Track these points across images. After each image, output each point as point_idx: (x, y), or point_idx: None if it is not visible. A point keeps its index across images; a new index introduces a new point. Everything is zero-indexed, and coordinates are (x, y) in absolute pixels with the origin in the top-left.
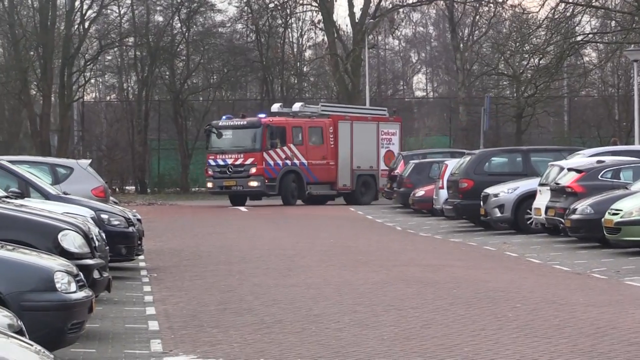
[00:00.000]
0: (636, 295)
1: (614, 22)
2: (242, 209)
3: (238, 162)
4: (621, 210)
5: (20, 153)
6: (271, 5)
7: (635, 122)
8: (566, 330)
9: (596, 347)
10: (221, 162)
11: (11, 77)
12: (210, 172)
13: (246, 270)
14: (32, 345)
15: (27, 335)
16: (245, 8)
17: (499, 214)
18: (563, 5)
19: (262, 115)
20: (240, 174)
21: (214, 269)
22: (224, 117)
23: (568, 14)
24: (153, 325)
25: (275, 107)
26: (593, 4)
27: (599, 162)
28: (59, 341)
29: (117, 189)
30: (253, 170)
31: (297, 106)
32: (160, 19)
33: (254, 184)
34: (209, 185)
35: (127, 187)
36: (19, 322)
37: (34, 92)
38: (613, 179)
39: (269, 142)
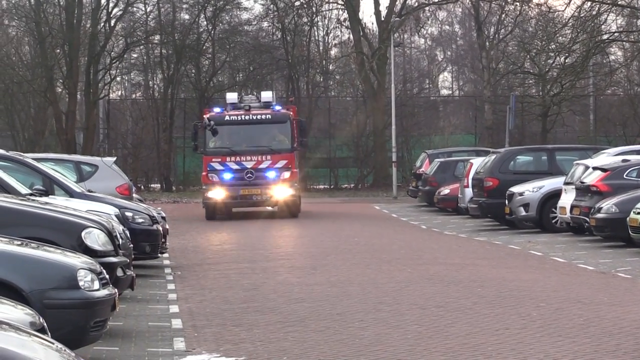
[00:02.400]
0: None
1: None
2: (268, 207)
3: (263, 166)
4: None
5: (46, 151)
6: (297, 3)
7: None
8: (590, 330)
9: (620, 347)
10: (234, 166)
11: (37, 75)
12: (213, 179)
13: (270, 268)
14: (53, 343)
15: (49, 334)
16: (271, 6)
17: (524, 213)
18: (589, 3)
19: (279, 107)
20: (266, 180)
21: (237, 267)
22: (217, 110)
23: (594, 12)
24: (176, 323)
25: (233, 97)
26: (619, 2)
27: (624, 161)
28: (82, 339)
29: (142, 187)
30: (287, 175)
31: (250, 99)
32: (187, 16)
33: (288, 192)
34: (210, 195)
35: (152, 185)
36: (41, 320)
37: (60, 90)
38: (638, 178)
39: (300, 139)
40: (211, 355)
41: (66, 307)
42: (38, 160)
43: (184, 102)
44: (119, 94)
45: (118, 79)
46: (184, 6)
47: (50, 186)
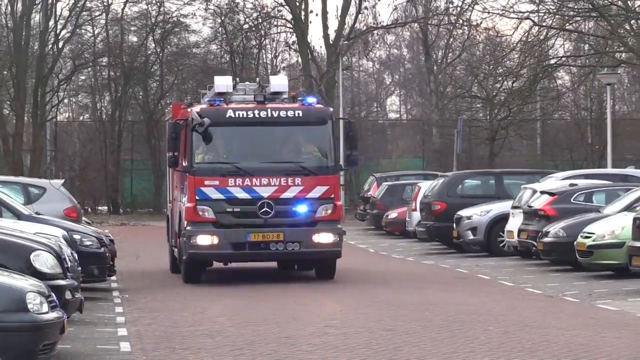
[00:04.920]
0: (608, 318)
1: (587, 45)
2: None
3: (289, 194)
4: (593, 233)
5: None
6: (245, 26)
7: (607, 145)
8: (538, 353)
9: None
10: (241, 194)
11: None
12: (205, 214)
13: (218, 291)
14: None
15: None
16: (220, 29)
17: (471, 237)
18: (537, 28)
19: (314, 100)
20: (294, 218)
21: (185, 290)
22: (205, 99)
23: (542, 37)
24: (125, 346)
25: (225, 83)
26: (566, 27)
27: (571, 185)
28: None
29: (89, 209)
30: (329, 210)
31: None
32: (135, 39)
33: (329, 238)
34: (199, 241)
35: (99, 208)
36: None
37: (7, 112)
38: (585, 202)
39: (348, 153)
40: None
41: (15, 330)
42: None
43: (132, 124)
44: (67, 116)
45: (66, 101)
46: (132, 28)
47: None
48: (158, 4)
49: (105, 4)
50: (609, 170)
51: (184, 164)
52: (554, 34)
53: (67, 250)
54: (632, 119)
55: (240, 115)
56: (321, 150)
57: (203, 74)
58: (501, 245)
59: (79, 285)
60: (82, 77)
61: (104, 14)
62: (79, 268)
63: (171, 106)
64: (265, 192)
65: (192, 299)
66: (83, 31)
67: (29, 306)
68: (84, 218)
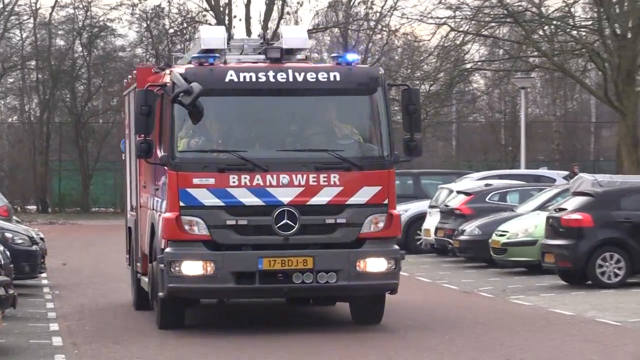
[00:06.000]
0: (522, 313)
1: (502, 50)
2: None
3: (320, 200)
4: (507, 231)
5: None
6: (171, 30)
7: (521, 147)
8: (455, 345)
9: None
10: (249, 198)
11: None
12: (194, 229)
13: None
14: None
15: None
16: (146, 33)
17: None
18: (454, 34)
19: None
20: (328, 235)
21: (114, 286)
22: (191, 56)
23: (458, 42)
24: (57, 340)
25: (215, 36)
26: (482, 32)
27: (486, 185)
28: None
29: (18, 208)
30: (380, 223)
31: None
32: (62, 42)
33: (381, 265)
34: (184, 270)
35: (28, 207)
36: None
37: None
38: (500, 202)
39: (409, 136)
40: None
41: None
42: None
43: (60, 126)
44: None
45: None
46: (60, 32)
47: None
48: (85, 8)
49: (33, 8)
50: (523, 171)
51: (160, 153)
52: (470, 39)
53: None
54: (544, 122)
55: (247, 79)
56: (369, 132)
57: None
58: (418, 243)
59: (10, 282)
60: (11, 80)
61: (32, 18)
62: (11, 265)
63: (134, 72)
64: (286, 195)
65: (120, 295)
66: (11, 35)
67: None
68: (14, 217)
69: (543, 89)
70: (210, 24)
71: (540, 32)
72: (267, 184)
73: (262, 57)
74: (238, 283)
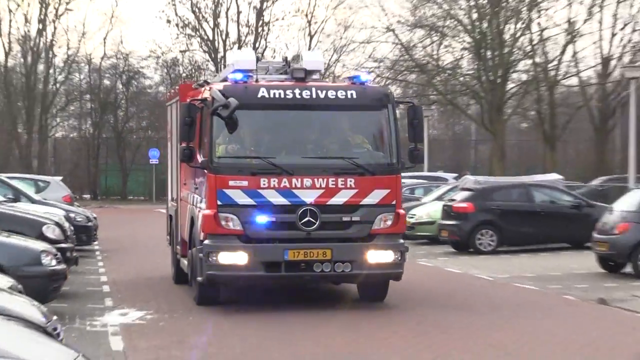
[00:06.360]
0: (427, 271)
1: (411, 90)
2: (162, 209)
3: (338, 200)
4: (415, 214)
5: (12, 172)
6: (183, 75)
7: (424, 156)
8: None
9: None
10: (277, 198)
11: (5, 120)
12: (229, 225)
13: (166, 252)
14: (29, 299)
15: (24, 294)
16: (166, 76)
17: None
18: (378, 79)
19: (368, 78)
20: (345, 230)
21: (145, 250)
22: (230, 76)
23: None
24: (106, 288)
25: (246, 58)
26: (398, 78)
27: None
28: (45, 298)
29: (77, 197)
30: (388, 221)
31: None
32: (108, 82)
33: (388, 256)
34: (221, 260)
35: (84, 196)
36: (18, 285)
37: (21, 131)
38: (410, 194)
39: (413, 146)
40: (129, 309)
41: (33, 277)
42: (10, 178)
43: (106, 140)
44: (62, 134)
45: (61, 123)
46: (107, 75)
47: (17, 196)
48: (124, 58)
49: (88, 58)
50: (426, 173)
51: (200, 158)
52: (389, 83)
53: (66, 224)
54: (440, 140)
55: (277, 96)
56: (380, 142)
57: (154, 106)
58: None
59: (74, 247)
60: (72, 108)
61: (87, 65)
62: (74, 236)
63: (177, 87)
64: (309, 196)
65: (149, 256)
66: (73, 76)
67: (43, 261)
68: (75, 203)
69: (440, 117)
70: (210, 70)
71: (438, 78)
72: (293, 186)
73: (284, 76)
74: (267, 271)
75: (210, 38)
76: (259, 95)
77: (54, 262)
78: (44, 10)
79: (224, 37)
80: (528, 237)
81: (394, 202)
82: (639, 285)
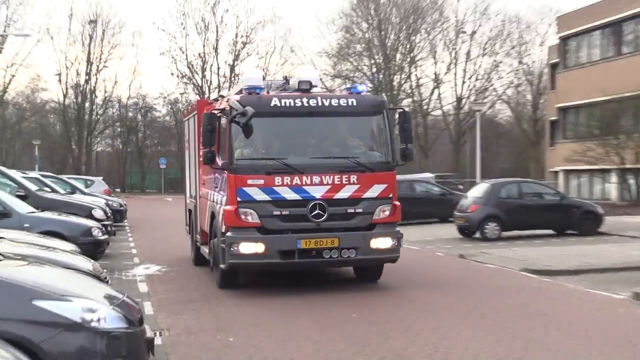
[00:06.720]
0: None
1: None
2: (169, 198)
3: (344, 194)
4: None
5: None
6: (182, 109)
7: None
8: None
9: None
10: (290, 194)
11: (64, 140)
12: (248, 218)
13: (176, 227)
14: (86, 258)
15: (82, 254)
16: (171, 110)
17: None
18: None
19: (364, 88)
20: (350, 221)
21: (160, 226)
22: (244, 88)
23: None
24: (134, 251)
25: (254, 77)
26: None
27: None
28: (94, 258)
29: (112, 190)
30: (386, 212)
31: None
32: (131, 114)
33: (387, 242)
34: (241, 249)
35: (116, 189)
36: (77, 249)
37: (74, 147)
38: None
39: (404, 147)
40: (151, 265)
41: (87, 243)
42: (68, 178)
43: (131, 152)
44: (101, 148)
45: (100, 142)
46: (130, 109)
47: (73, 190)
48: (142, 99)
49: (118, 98)
50: None
51: (221, 160)
52: None
53: (106, 208)
54: None
55: (287, 104)
56: (377, 143)
57: (164, 130)
58: None
59: (112, 224)
60: (107, 131)
61: (118, 103)
62: (112, 216)
63: (194, 104)
64: (317, 192)
65: (162, 230)
66: (108, 111)
67: (93, 233)
68: (111, 194)
69: None
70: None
71: None
72: (303, 183)
73: (286, 92)
74: (282, 259)
75: (200, 85)
76: (272, 104)
77: (99, 233)
78: (89, 67)
79: (209, 84)
80: (410, 215)
81: (390, 195)
82: (485, 245)
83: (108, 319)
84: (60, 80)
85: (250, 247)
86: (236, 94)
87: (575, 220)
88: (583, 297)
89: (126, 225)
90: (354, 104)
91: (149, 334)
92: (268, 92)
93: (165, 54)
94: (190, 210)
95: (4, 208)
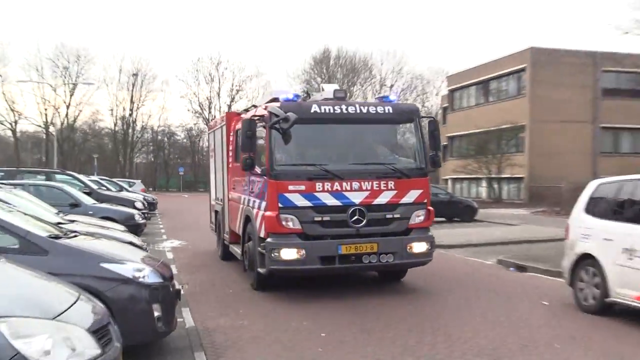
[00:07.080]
0: None
1: None
2: (185, 195)
3: (382, 200)
4: None
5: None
6: (196, 135)
7: None
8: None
9: None
10: (331, 200)
11: (114, 155)
12: (289, 224)
13: (200, 214)
14: (132, 235)
15: (129, 232)
16: (187, 135)
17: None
18: None
19: (394, 97)
20: (388, 226)
21: (185, 214)
22: (283, 98)
23: None
24: (163, 231)
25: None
26: None
27: None
28: (137, 234)
29: (147, 189)
30: (421, 216)
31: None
32: (160, 137)
33: (423, 247)
34: (283, 255)
35: (150, 189)
36: (125, 229)
37: (121, 159)
38: None
39: (434, 153)
40: (175, 240)
41: (131, 225)
42: (118, 181)
43: (159, 163)
44: (139, 161)
45: (139, 156)
46: (159, 134)
47: (121, 188)
48: (167, 127)
49: (151, 127)
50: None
51: (260, 167)
52: None
53: (144, 201)
54: None
55: (327, 111)
56: (412, 150)
57: (181, 148)
58: None
59: (147, 212)
60: (143, 149)
61: (151, 130)
62: (147, 207)
63: (223, 115)
64: (357, 197)
65: (186, 217)
66: (145, 135)
67: (135, 218)
68: (146, 192)
69: None
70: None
71: None
72: (343, 189)
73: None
74: (323, 264)
75: (207, 118)
76: (312, 110)
77: (139, 218)
78: (132, 105)
79: (213, 118)
80: None
81: (425, 201)
82: None
83: (150, 276)
84: (112, 114)
85: (292, 254)
86: (268, 102)
87: (459, 212)
88: (466, 262)
89: (157, 213)
90: (390, 111)
91: (177, 286)
92: (305, 100)
93: (184, 97)
94: (217, 212)
95: (76, 200)
